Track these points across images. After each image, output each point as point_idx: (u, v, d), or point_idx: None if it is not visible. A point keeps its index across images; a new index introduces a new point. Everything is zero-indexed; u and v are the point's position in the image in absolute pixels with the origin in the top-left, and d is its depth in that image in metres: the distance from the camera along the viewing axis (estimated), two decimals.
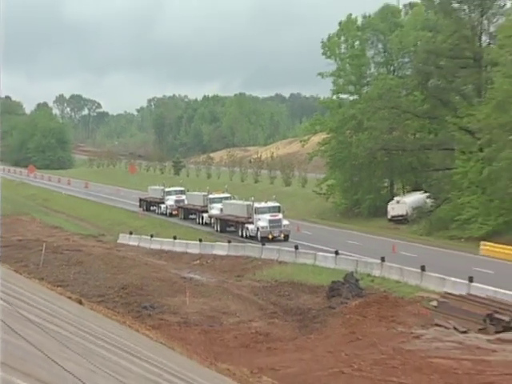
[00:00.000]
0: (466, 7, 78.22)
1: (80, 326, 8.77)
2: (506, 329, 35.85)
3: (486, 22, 77.83)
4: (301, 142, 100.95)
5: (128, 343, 10.09)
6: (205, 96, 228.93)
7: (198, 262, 60.22)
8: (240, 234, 69.65)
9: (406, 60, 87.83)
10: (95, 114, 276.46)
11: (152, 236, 70.97)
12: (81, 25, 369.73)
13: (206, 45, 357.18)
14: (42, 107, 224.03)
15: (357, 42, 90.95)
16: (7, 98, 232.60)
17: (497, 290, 41.34)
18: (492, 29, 77.48)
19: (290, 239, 64.92)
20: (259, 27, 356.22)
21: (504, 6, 76.69)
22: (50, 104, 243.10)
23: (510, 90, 64.42)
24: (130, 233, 73.71)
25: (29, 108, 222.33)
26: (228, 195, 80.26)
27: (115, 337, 10.16)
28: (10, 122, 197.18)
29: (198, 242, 65.93)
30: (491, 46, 75.42)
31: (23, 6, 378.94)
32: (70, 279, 47.50)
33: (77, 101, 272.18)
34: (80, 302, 18.40)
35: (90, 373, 5.04)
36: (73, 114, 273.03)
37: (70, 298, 18.90)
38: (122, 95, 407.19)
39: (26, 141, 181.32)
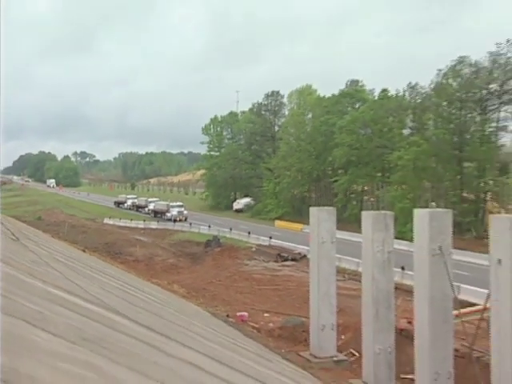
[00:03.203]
0: (267, 113, 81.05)
1: (84, 262, 8.49)
2: (285, 260, 37.10)
3: (277, 120, 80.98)
4: (193, 174, 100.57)
5: (109, 271, 9.83)
6: (147, 152, 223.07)
7: (143, 231, 58.63)
8: (163, 218, 68.36)
9: (242, 136, 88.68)
10: (92, 160, 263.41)
11: (120, 219, 68.54)
12: (89, 115, 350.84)
13: (150, 125, 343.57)
14: (66, 157, 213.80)
15: (219, 128, 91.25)
16: (49, 152, 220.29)
17: (282, 242, 42.66)
18: (279, 123, 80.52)
19: (188, 220, 64.28)
20: (175, 117, 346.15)
21: (284, 113, 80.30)
22: (70, 155, 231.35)
23: (287, 150, 67.04)
24: (109, 217, 70.95)
25: (59, 157, 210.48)
26: (158, 199, 79.23)
27: (102, 267, 9.87)
28: (50, 165, 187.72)
29: (142, 222, 64.24)
30: (279, 131, 77.88)
31: (60, 107, 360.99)
32: (80, 240, 45.12)
33: (83, 154, 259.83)
34: (84, 251, 17.62)
35: (89, 285, 4.95)
36: (81, 160, 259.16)
37: (79, 249, 18.08)
38: (107, 151, 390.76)
39: (58, 174, 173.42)
